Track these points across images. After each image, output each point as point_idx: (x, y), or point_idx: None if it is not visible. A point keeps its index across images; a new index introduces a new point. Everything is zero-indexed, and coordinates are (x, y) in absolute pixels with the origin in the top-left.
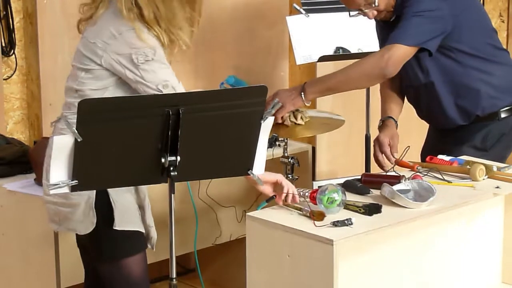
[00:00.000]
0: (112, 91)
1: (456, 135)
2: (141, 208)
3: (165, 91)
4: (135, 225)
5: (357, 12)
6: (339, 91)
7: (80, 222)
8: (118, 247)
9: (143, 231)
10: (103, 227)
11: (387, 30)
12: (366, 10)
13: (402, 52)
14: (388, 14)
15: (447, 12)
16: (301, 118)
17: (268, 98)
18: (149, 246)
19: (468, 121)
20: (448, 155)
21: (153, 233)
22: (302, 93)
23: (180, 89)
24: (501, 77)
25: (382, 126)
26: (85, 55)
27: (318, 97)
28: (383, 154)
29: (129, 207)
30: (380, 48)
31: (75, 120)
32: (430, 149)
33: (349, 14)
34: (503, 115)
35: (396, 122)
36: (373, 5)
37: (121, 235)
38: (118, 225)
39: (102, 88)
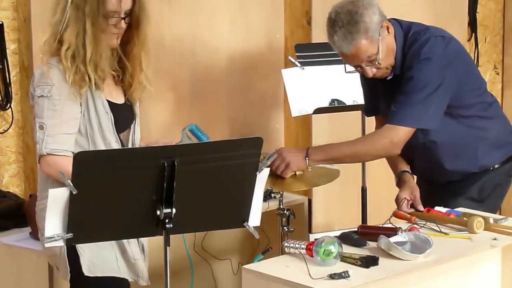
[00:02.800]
0: None
1: (451, 187)
2: (121, 246)
3: (38, 131)
4: (108, 271)
5: (355, 69)
6: (343, 162)
7: (61, 270)
8: None
9: (120, 275)
10: (77, 275)
11: (382, 83)
12: (366, 67)
13: (408, 133)
14: (386, 72)
15: (451, 79)
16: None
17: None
18: (141, 282)
19: (463, 177)
20: (444, 207)
21: (140, 266)
22: (307, 158)
23: (52, 139)
24: (495, 130)
25: (400, 183)
26: None
27: (320, 164)
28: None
29: (101, 253)
30: (367, 104)
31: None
32: (421, 201)
33: (345, 69)
34: (496, 166)
35: (411, 174)
36: (376, 63)
37: (96, 281)
38: (88, 272)
39: None
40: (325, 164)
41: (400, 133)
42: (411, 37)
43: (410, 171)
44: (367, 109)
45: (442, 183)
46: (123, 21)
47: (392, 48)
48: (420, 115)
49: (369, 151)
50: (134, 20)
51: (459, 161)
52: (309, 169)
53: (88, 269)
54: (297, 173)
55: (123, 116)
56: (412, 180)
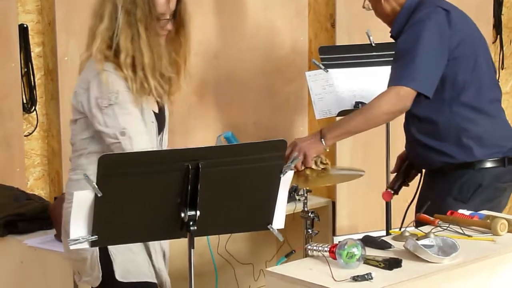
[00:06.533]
0: (97, 140)
1: (437, 186)
2: (148, 253)
3: (121, 139)
4: (141, 276)
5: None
6: (358, 132)
7: (90, 275)
8: None
9: (152, 280)
10: (109, 280)
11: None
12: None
13: (410, 92)
14: (382, 19)
15: (443, 48)
16: (321, 162)
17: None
18: None
19: (442, 164)
20: (434, 206)
21: (165, 277)
22: (322, 139)
23: (139, 139)
24: (484, 127)
25: None
26: (72, 105)
27: (337, 141)
28: None
29: (134, 258)
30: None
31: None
32: (421, 199)
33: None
34: (479, 166)
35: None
36: (368, 8)
37: (128, 286)
38: (121, 277)
39: (88, 137)
40: (341, 139)
41: (402, 90)
42: (420, 5)
43: None
44: None
45: (432, 178)
46: (170, 22)
47: (387, 12)
48: (411, 75)
49: (379, 112)
50: (178, 20)
51: (437, 144)
52: (327, 150)
53: (122, 275)
54: (320, 166)
55: (160, 125)
56: None
